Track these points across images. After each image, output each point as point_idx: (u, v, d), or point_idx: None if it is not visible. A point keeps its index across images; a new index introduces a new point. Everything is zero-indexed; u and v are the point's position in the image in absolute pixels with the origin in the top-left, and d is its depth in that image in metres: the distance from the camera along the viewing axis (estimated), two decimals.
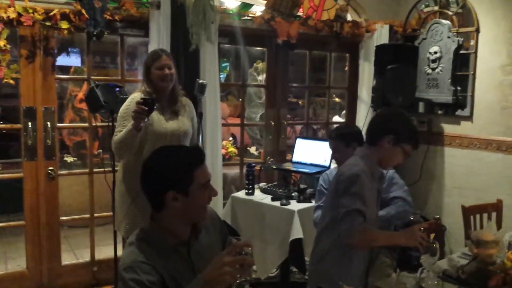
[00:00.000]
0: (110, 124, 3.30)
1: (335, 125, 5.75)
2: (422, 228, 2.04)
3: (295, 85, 5.64)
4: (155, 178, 1.62)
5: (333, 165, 3.99)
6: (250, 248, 1.47)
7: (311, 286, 2.34)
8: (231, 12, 4.14)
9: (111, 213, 3.57)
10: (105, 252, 3.91)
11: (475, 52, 4.27)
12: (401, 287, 1.82)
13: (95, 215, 3.89)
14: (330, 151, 3.85)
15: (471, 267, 2.12)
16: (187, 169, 1.59)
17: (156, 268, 1.54)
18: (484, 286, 1.95)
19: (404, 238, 2.05)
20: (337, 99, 7.07)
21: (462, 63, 4.35)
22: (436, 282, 1.79)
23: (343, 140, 3.00)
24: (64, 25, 3.42)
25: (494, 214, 3.30)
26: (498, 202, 3.38)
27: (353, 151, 2.40)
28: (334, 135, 3.08)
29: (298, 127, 6.32)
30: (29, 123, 3.52)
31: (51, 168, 3.61)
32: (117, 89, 3.46)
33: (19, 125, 3.55)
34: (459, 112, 4.40)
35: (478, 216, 3.27)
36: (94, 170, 3.87)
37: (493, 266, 1.98)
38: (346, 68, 5.10)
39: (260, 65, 6.26)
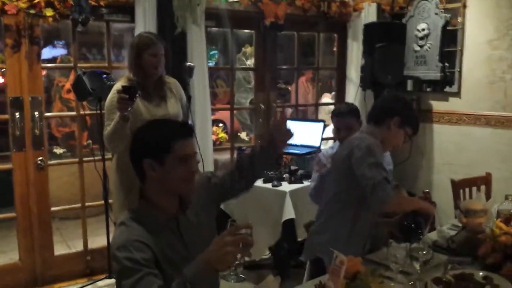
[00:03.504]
0: (99, 112, 3.29)
1: (326, 106, 5.79)
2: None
3: (284, 67, 5.62)
4: (135, 145, 1.67)
5: (323, 146, 4.02)
6: (250, 230, 1.47)
7: (307, 257, 2.38)
8: None
9: (102, 202, 3.57)
10: (98, 242, 3.89)
11: (463, 28, 4.28)
12: (392, 259, 1.83)
13: (87, 204, 3.88)
14: (320, 132, 3.89)
15: (461, 236, 2.14)
16: (165, 138, 1.61)
17: (148, 245, 1.54)
18: (474, 254, 1.97)
19: (424, 203, 2.18)
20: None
21: (450, 40, 4.36)
22: (425, 252, 1.80)
23: (354, 115, 2.97)
24: (49, 12, 3.36)
25: (483, 188, 3.33)
26: (487, 175, 3.40)
27: (359, 128, 2.47)
28: (346, 111, 3.00)
29: (288, 112, 6.32)
30: (16, 114, 3.47)
31: (41, 158, 3.57)
32: (104, 76, 3.43)
33: (6, 116, 3.51)
34: (447, 89, 4.42)
35: (467, 190, 3.30)
36: (84, 159, 3.85)
37: (482, 234, 1.99)
38: (335, 49, 5.09)
39: (249, 49, 6.23)
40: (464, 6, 4.25)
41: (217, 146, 4.94)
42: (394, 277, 1.82)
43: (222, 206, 3.65)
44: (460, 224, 2.26)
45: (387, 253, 1.85)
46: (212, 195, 1.87)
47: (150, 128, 1.71)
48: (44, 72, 4.35)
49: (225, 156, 4.76)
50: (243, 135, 5.95)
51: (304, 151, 3.82)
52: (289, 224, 3.40)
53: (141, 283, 1.45)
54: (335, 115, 3.03)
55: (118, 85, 2.89)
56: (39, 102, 3.56)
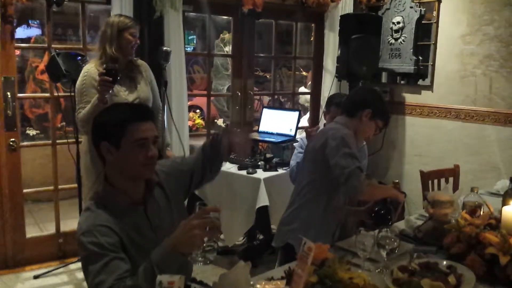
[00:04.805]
0: (73, 94, 3.25)
1: (301, 96, 5.84)
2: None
3: (261, 55, 5.64)
4: (93, 129, 1.67)
5: (299, 135, 4.06)
6: (218, 213, 1.47)
7: (278, 243, 2.42)
8: None
9: (75, 185, 3.55)
10: (70, 225, 3.84)
11: (437, 22, 4.36)
12: (360, 246, 1.88)
13: (60, 187, 3.85)
14: (295, 121, 3.93)
15: (427, 226, 2.21)
16: (120, 121, 1.60)
17: (114, 230, 1.53)
18: (439, 244, 2.03)
19: (394, 191, 2.24)
20: (304, 73, 7.11)
21: (424, 33, 4.44)
22: (392, 240, 1.86)
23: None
24: None
25: (451, 179, 3.43)
26: (455, 167, 3.50)
27: None
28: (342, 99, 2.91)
29: (266, 100, 6.35)
30: None
31: (13, 139, 3.53)
32: (79, 57, 3.39)
33: None
34: (420, 82, 4.51)
35: (436, 181, 3.39)
36: (58, 141, 3.81)
37: (448, 225, 2.06)
38: (312, 39, 5.12)
39: (227, 36, 6.21)
40: (439, 1, 4.33)
41: (194, 132, 4.95)
42: (362, 265, 1.87)
43: (196, 192, 3.68)
44: (427, 214, 2.33)
45: (355, 240, 1.90)
46: (182, 181, 1.86)
47: (108, 111, 1.72)
48: (17, 52, 4.26)
49: (201, 142, 4.69)
50: (219, 121, 5.95)
51: (279, 139, 3.86)
52: (263, 211, 3.45)
53: (107, 268, 1.44)
54: (336, 105, 3.03)
55: (90, 68, 2.90)
56: (12, 83, 3.50)
